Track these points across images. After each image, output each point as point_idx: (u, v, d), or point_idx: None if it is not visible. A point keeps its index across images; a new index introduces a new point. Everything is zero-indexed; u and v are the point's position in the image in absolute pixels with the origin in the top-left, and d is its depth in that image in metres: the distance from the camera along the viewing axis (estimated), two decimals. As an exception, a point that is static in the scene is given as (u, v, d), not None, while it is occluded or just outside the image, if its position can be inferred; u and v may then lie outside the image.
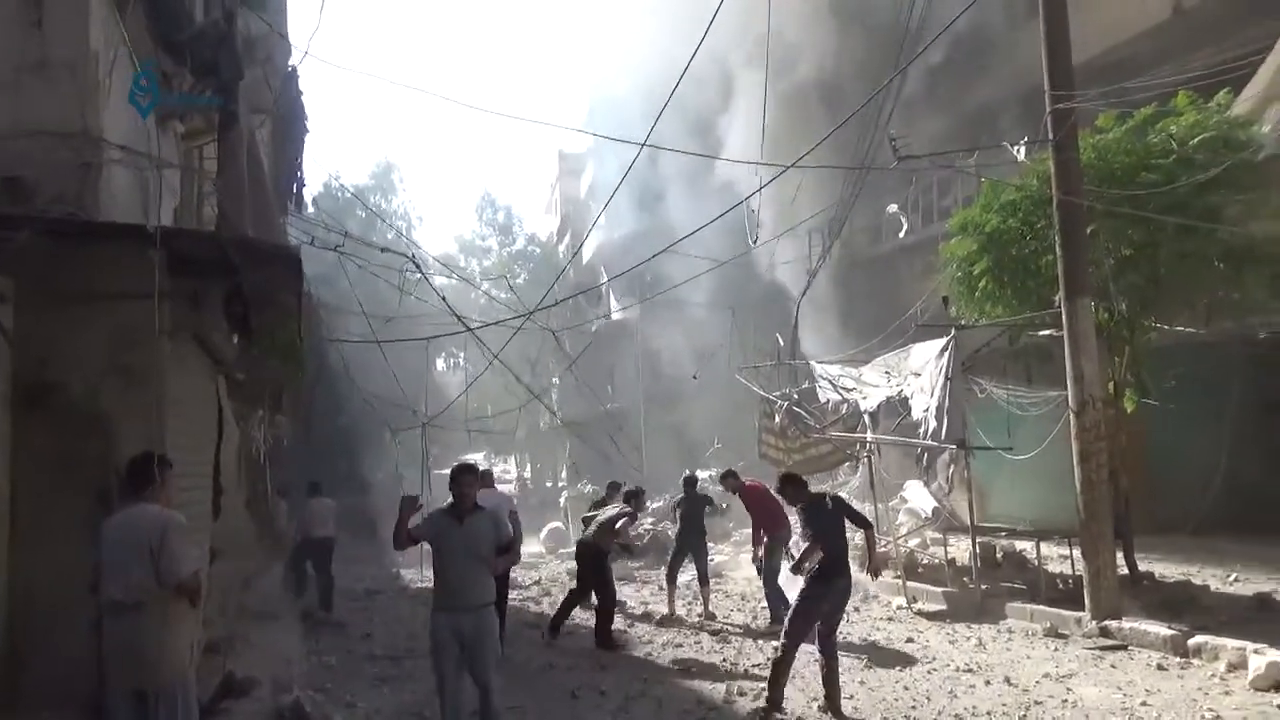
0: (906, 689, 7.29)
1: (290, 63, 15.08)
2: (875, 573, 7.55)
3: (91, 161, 6.09)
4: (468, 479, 5.90)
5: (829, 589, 6.61)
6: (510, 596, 13.64)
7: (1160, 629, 8.10)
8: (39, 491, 5.55)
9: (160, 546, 4.42)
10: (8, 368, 5.49)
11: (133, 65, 7.14)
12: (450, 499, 5.88)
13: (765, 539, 10.34)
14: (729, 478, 11.51)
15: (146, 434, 5.72)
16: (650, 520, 19.14)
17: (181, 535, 4.58)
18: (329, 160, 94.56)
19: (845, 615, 10.49)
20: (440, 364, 45.70)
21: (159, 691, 4.46)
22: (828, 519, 6.73)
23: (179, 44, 8.06)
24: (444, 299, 12.52)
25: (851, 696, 7.13)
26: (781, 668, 6.71)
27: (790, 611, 6.83)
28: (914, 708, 6.82)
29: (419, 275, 11.97)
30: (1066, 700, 6.77)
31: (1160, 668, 7.50)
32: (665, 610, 11.18)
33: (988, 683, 7.37)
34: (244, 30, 10.04)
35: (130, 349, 5.77)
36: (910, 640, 9.09)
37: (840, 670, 7.68)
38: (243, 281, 6.60)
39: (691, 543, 11.27)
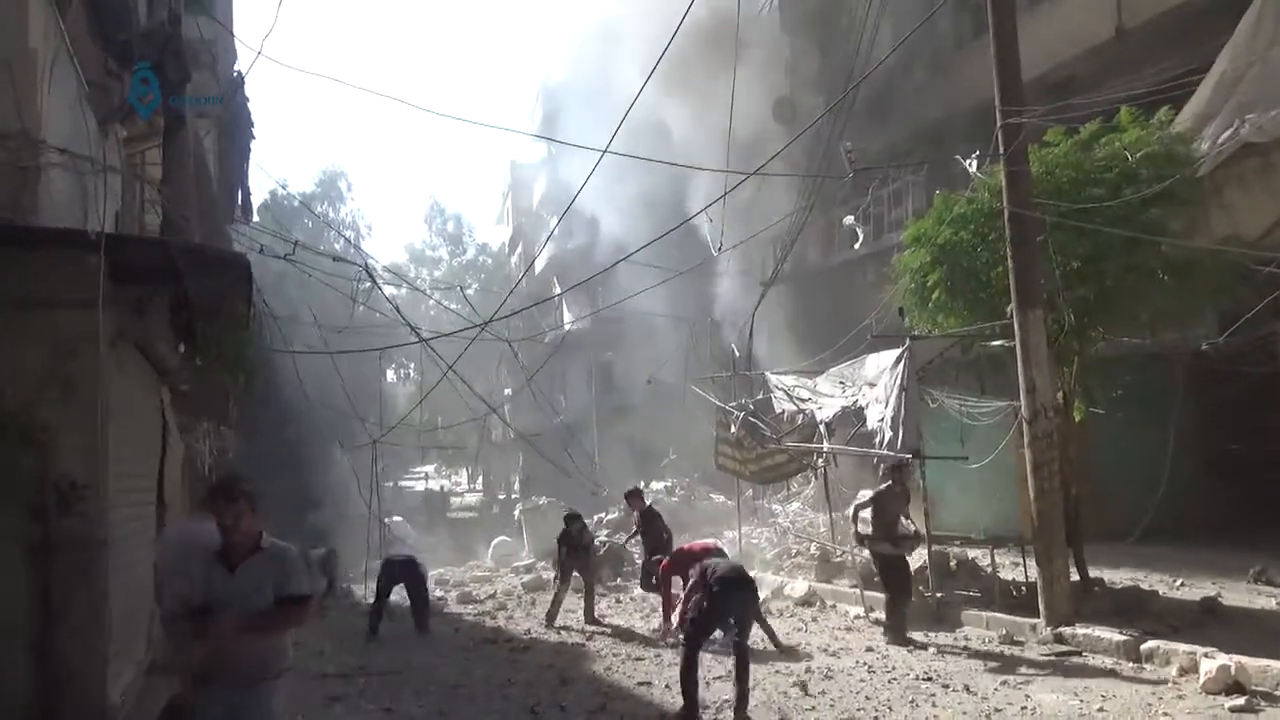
0: (868, 699, 7.28)
1: (236, 67, 14.79)
2: None
3: (29, 164, 5.84)
4: (229, 506, 4.08)
5: (727, 602, 6.98)
6: (465, 611, 13.51)
7: (1113, 635, 8.22)
8: (-31, 508, 5.28)
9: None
10: (-62, 378, 5.23)
11: (73, 66, 6.89)
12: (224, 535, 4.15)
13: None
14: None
15: (87, 447, 5.50)
16: (605, 532, 19.03)
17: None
18: (275, 167, 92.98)
19: (804, 626, 10.60)
20: (390, 375, 45.09)
21: (244, 705, 4.44)
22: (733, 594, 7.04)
23: (123, 44, 7.81)
24: (397, 309, 12.33)
25: (813, 708, 7.11)
26: (686, 674, 6.91)
27: (690, 623, 7.11)
28: (877, 718, 6.81)
29: (371, 285, 11.76)
30: (1025, 707, 6.81)
31: (1114, 673, 7.60)
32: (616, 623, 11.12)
33: (947, 689, 7.40)
34: (190, 33, 9.81)
35: (70, 359, 5.53)
36: (869, 649, 9.10)
37: (800, 680, 7.67)
38: (189, 290, 6.39)
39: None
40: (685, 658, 6.96)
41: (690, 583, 7.32)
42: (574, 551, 11.88)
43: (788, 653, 8.95)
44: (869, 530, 9.80)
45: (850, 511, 10.22)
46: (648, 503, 12.61)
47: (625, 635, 10.69)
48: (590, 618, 11.54)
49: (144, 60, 7.69)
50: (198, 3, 11.64)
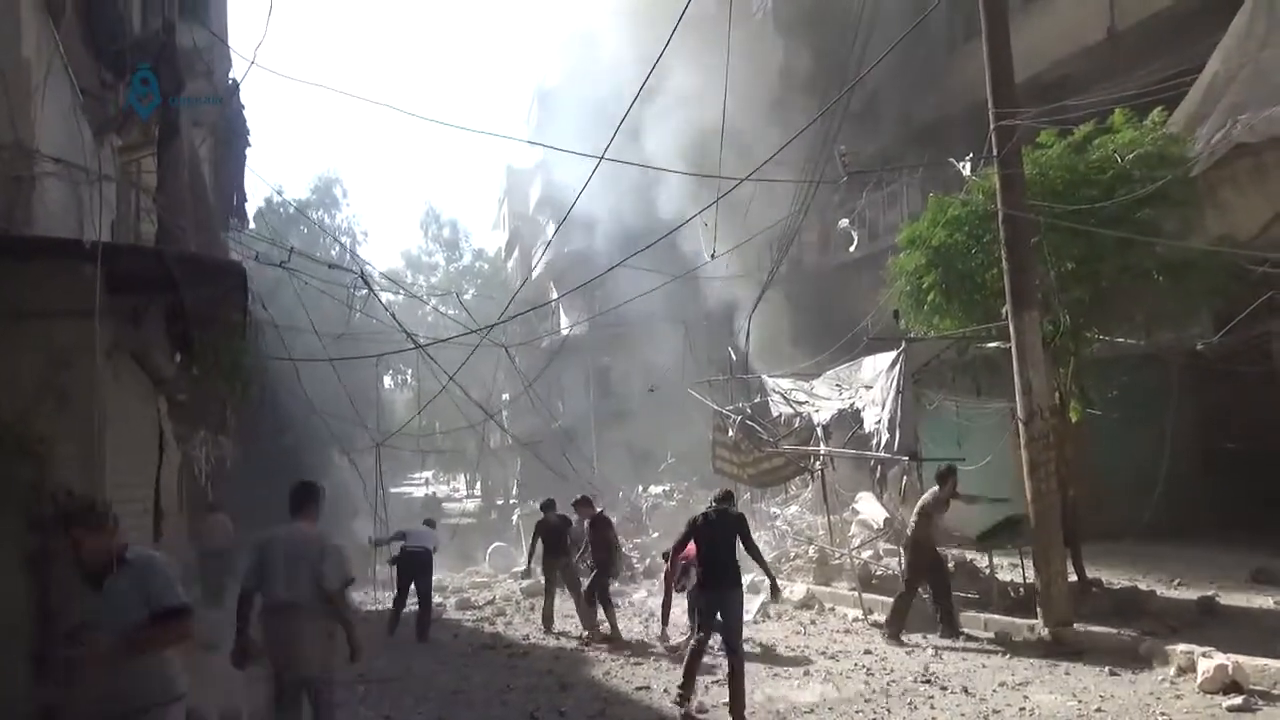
0: (867, 701, 7.29)
1: (232, 75, 14.79)
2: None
3: (24, 174, 5.85)
4: (95, 534, 3.95)
5: (702, 597, 7.43)
6: (464, 617, 13.49)
7: (1111, 635, 8.24)
8: (-34, 519, 5.27)
9: (321, 560, 5.62)
10: (-67, 389, 5.22)
11: (68, 75, 6.90)
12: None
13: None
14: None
15: (83, 457, 5.49)
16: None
17: (337, 555, 5.84)
18: (271, 174, 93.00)
19: (802, 629, 10.60)
20: (388, 381, 45.05)
21: (313, 679, 5.62)
22: (704, 535, 7.44)
23: (117, 54, 7.81)
24: (394, 316, 12.33)
25: (812, 710, 7.12)
26: (690, 660, 7.39)
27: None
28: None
29: (367, 291, 11.77)
30: (1024, 708, 6.83)
31: (1113, 673, 7.61)
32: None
33: (946, 691, 7.40)
34: (184, 41, 9.82)
35: (65, 369, 5.51)
36: (868, 652, 9.11)
37: (799, 684, 7.68)
38: (185, 298, 6.39)
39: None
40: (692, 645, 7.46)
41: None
42: (552, 548, 11.72)
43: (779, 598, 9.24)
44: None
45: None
46: (599, 509, 12.37)
47: (627, 644, 10.63)
48: (588, 623, 11.12)
49: (139, 69, 7.69)
50: (192, 12, 11.64)
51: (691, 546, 7.72)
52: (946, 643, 9.21)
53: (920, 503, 9.95)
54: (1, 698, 5.22)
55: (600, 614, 10.95)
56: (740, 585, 7.36)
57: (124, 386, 6.64)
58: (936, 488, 9.89)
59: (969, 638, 9.36)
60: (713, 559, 7.34)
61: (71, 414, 5.49)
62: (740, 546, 7.38)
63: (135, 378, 7.30)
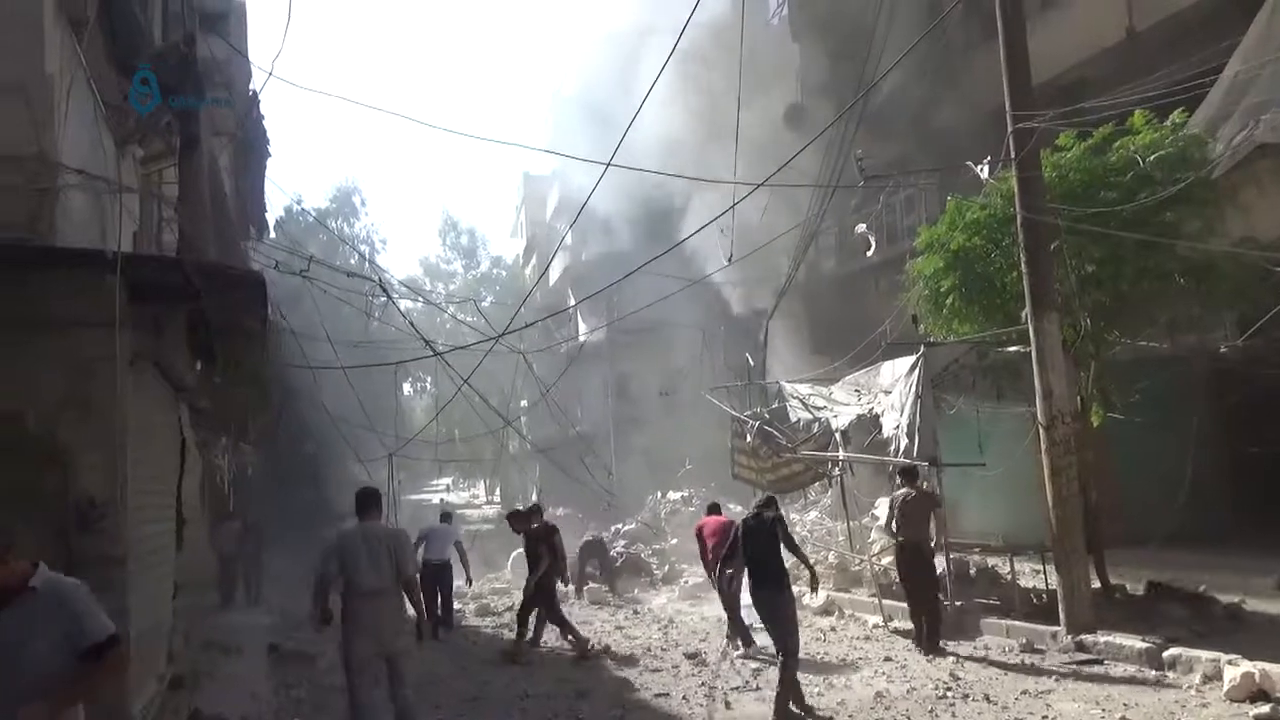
0: (888, 709, 7.23)
1: (251, 86, 14.95)
2: None
3: (47, 186, 5.92)
4: None
5: (754, 598, 7.66)
6: (484, 623, 13.51)
7: (1135, 642, 8.14)
8: (-6, 527, 5.33)
9: (397, 551, 6.44)
10: (-41, 399, 5.29)
11: (90, 89, 6.99)
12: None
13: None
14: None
15: (106, 465, 5.55)
16: (623, 543, 19.03)
17: (408, 544, 6.85)
18: (291, 183, 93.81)
19: (822, 635, 10.55)
20: (407, 388, 45.29)
21: (397, 652, 6.44)
22: (747, 540, 7.82)
23: (138, 67, 7.90)
24: (411, 324, 12.40)
25: (832, 718, 7.07)
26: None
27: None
28: (895, 728, 6.77)
29: (385, 299, 11.85)
30: (1046, 716, 6.76)
31: (1137, 681, 7.52)
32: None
33: (967, 699, 7.34)
34: (205, 53, 9.93)
35: (89, 378, 5.58)
36: (888, 659, 9.05)
37: (820, 691, 7.65)
38: (206, 308, 6.46)
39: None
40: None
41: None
42: (538, 558, 10.89)
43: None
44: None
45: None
46: (538, 521, 11.51)
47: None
48: (566, 637, 10.60)
49: (160, 82, 7.78)
50: (213, 25, 11.78)
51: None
52: (969, 650, 9.13)
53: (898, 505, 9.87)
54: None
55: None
56: (788, 587, 7.53)
57: (146, 395, 6.70)
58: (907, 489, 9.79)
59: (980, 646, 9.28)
60: (757, 563, 7.63)
61: (95, 423, 5.55)
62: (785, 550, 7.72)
63: (157, 386, 7.37)
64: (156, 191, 9.81)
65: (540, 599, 10.69)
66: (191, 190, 8.97)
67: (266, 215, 19.59)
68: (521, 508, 12.61)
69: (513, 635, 11.08)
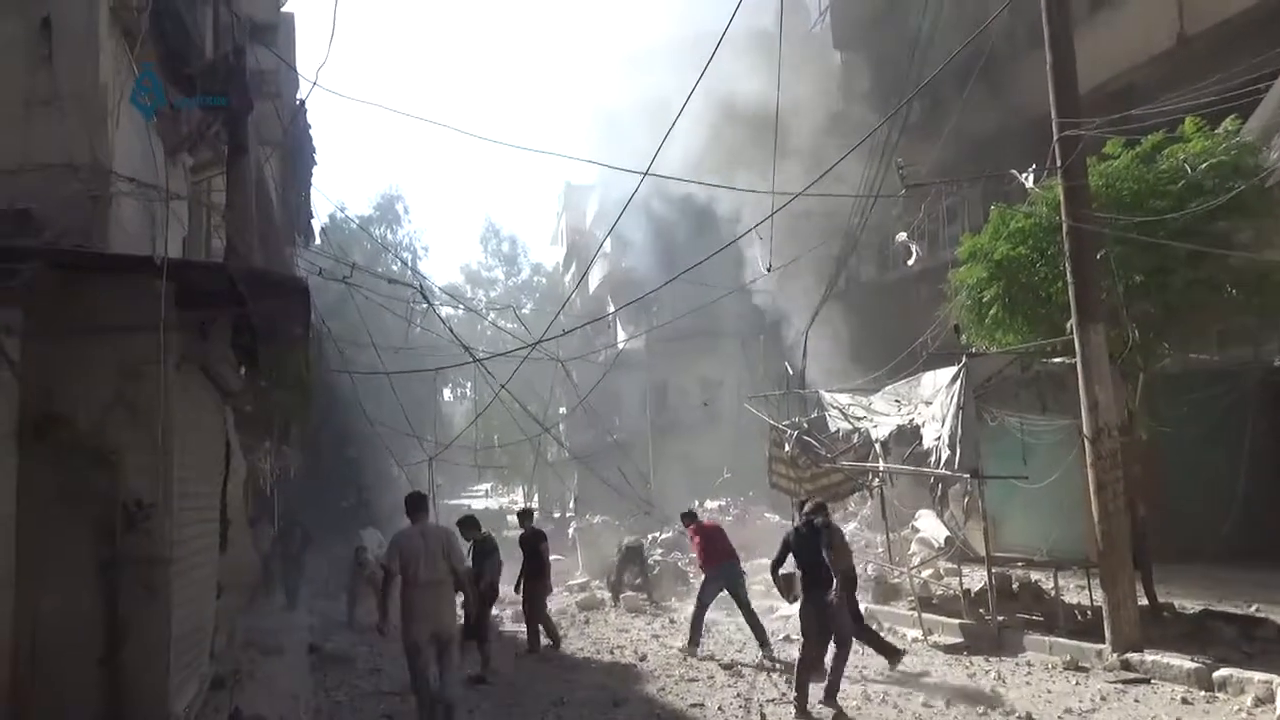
0: (925, 725, 7.13)
1: (298, 96, 15.21)
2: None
3: (100, 194, 6.08)
4: None
5: (807, 607, 7.85)
6: (520, 629, 13.54)
7: (1184, 662, 7.93)
8: (44, 524, 5.47)
9: (449, 548, 7.40)
10: (15, 400, 5.43)
11: (143, 98, 7.16)
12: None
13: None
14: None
15: (153, 467, 5.66)
16: (660, 551, 19.00)
17: (458, 542, 7.99)
18: (336, 190, 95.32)
19: (860, 649, 10.42)
20: (447, 394, 45.67)
21: (449, 636, 7.29)
22: (798, 547, 8.03)
23: (189, 77, 8.09)
24: (450, 330, 12.50)
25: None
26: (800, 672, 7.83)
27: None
28: (933, 744, 6.67)
29: (426, 306, 11.97)
30: (1090, 736, 6.61)
31: (1185, 701, 7.33)
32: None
33: (1009, 717, 7.20)
34: (253, 63, 10.12)
35: (137, 381, 5.71)
36: (926, 674, 8.91)
37: (859, 705, 7.58)
38: (251, 313, 6.57)
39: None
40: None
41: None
42: (532, 562, 11.48)
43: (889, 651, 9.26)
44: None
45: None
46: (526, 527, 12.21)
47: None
48: (535, 644, 11.27)
49: (208, 92, 7.96)
50: (261, 36, 12.02)
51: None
52: (1011, 667, 8.96)
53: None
54: (73, 692, 5.41)
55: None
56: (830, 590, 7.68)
57: (193, 398, 6.84)
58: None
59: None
60: (809, 570, 7.81)
61: (142, 425, 5.67)
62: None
63: (204, 389, 7.51)
64: (205, 199, 10.03)
65: (525, 600, 11.43)
66: (238, 197, 9.13)
67: (312, 222, 19.88)
68: (532, 507, 12.91)
69: (548, 641, 11.24)
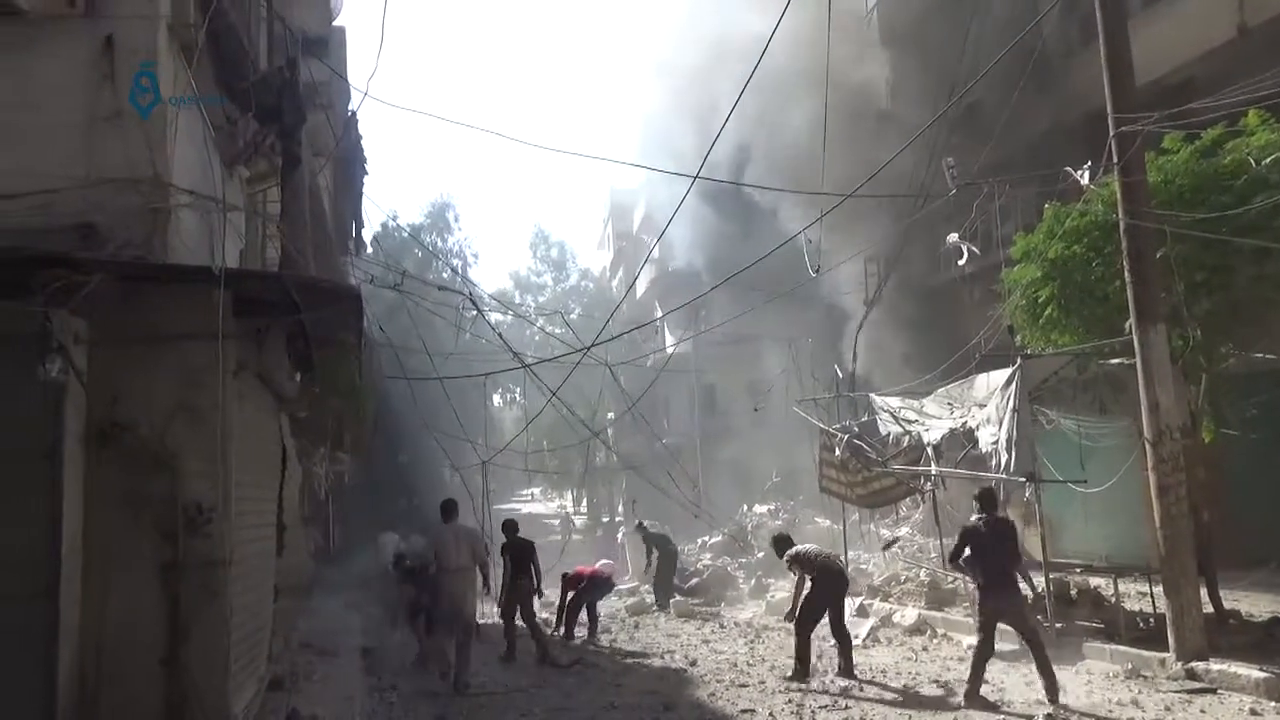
0: (981, 733, 7.00)
1: (350, 107, 15.49)
2: None
3: (160, 206, 6.25)
4: None
5: (987, 603, 8.04)
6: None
7: (1252, 671, 7.67)
8: (109, 528, 5.65)
9: (475, 543, 9.80)
10: (81, 407, 5.61)
11: (200, 112, 7.35)
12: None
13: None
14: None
15: (211, 472, 5.81)
16: (709, 556, 18.94)
17: (480, 537, 10.32)
18: (387, 199, 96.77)
19: (914, 655, 10.29)
20: (497, 399, 46.05)
21: (469, 617, 9.61)
22: (978, 543, 8.00)
23: (243, 90, 8.29)
24: (500, 335, 12.62)
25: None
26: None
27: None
28: (990, 753, 6.54)
29: (475, 312, 12.09)
30: (1153, 747, 6.43)
31: (1254, 713, 7.09)
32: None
33: (1068, 727, 7.04)
34: (306, 76, 10.33)
35: (196, 388, 5.87)
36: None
37: (911, 715, 7.47)
38: (305, 321, 6.70)
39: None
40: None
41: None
42: (521, 571, 11.40)
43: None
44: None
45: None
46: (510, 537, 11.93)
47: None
48: (546, 655, 10.93)
49: (263, 105, 8.15)
50: (314, 49, 12.25)
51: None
52: (1070, 675, 8.74)
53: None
54: (138, 694, 5.56)
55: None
56: (1018, 589, 7.97)
57: (249, 404, 6.99)
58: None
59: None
60: (990, 566, 7.87)
61: (201, 430, 5.82)
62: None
63: (260, 396, 7.68)
64: (261, 210, 10.26)
65: (505, 607, 11.59)
66: (292, 208, 9.34)
67: (364, 231, 20.21)
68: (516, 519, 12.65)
69: (597, 646, 11.27)
